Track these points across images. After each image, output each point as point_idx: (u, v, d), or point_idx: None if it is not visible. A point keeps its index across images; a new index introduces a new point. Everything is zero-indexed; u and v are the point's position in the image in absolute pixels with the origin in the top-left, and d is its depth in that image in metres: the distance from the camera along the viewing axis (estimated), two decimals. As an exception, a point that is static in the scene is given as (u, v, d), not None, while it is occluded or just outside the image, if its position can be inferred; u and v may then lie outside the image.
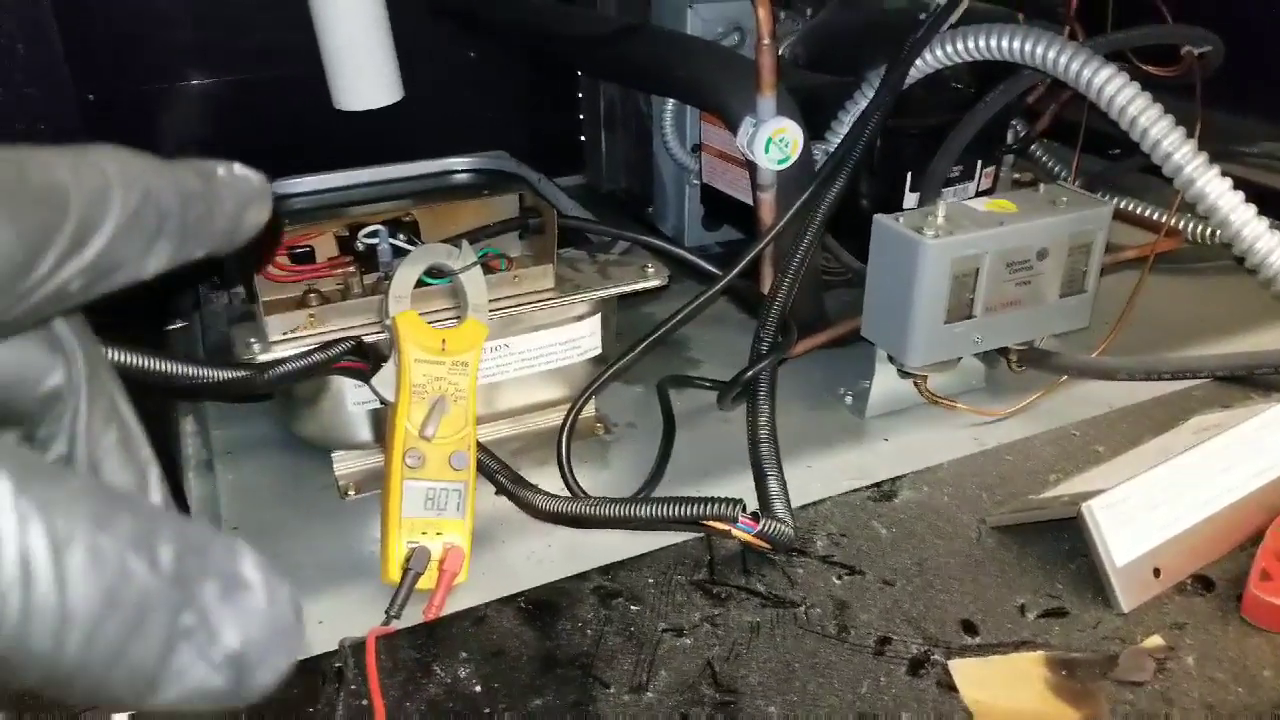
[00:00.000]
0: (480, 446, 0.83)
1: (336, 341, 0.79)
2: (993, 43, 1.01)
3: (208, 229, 0.28)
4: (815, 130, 1.07)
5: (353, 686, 0.65)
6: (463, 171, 1.22)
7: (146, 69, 1.31)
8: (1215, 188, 0.95)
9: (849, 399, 1.03)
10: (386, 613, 0.74)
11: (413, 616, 0.74)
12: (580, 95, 1.54)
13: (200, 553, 0.23)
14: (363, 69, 1.18)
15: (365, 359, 0.80)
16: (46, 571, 0.20)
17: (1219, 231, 0.99)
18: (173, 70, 1.32)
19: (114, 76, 1.27)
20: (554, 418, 0.96)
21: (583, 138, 1.56)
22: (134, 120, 1.32)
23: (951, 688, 0.65)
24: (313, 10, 1.15)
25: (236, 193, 0.29)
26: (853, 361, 1.03)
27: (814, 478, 0.91)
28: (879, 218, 0.91)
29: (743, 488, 0.81)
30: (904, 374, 0.97)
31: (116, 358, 0.69)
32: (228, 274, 0.92)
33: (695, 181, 1.30)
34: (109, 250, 0.25)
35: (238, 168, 0.30)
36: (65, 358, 0.28)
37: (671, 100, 1.27)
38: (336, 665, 0.67)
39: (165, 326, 0.96)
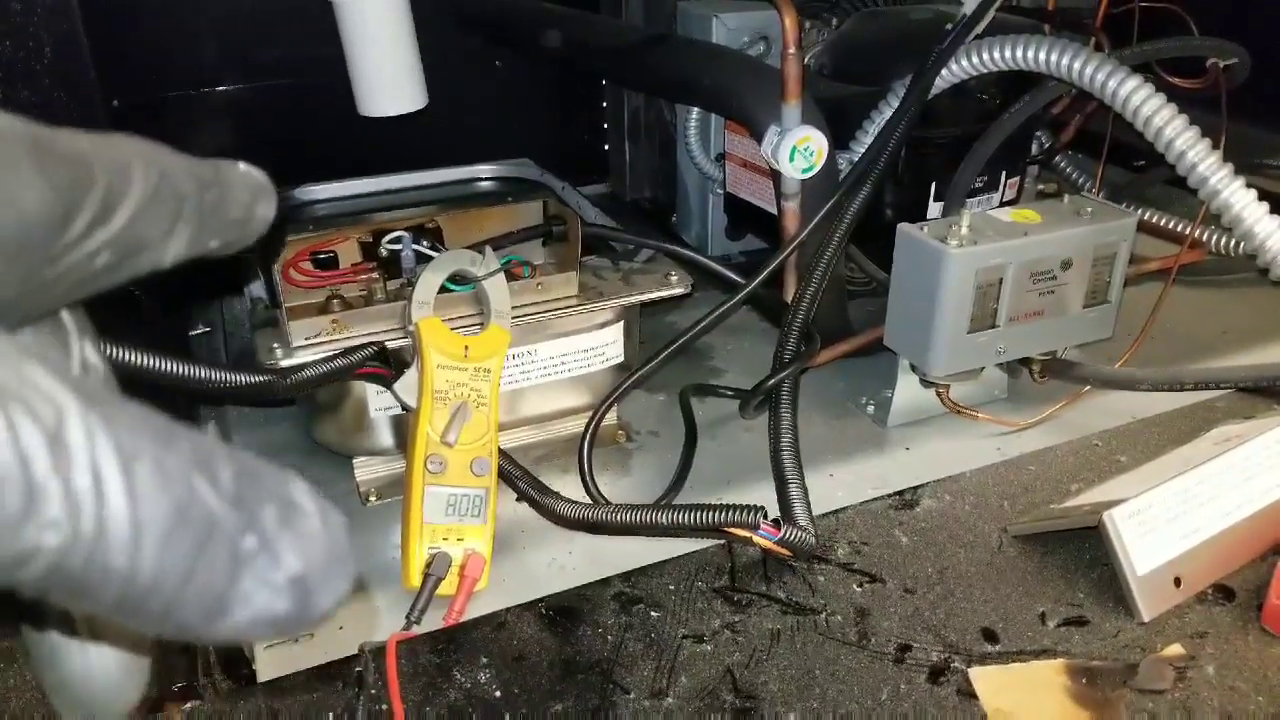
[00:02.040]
0: (502, 453, 0.83)
1: (359, 347, 0.79)
2: (1019, 53, 1.01)
3: (223, 217, 0.29)
4: (840, 140, 1.07)
5: (373, 691, 0.65)
6: (487, 179, 1.22)
7: (172, 76, 1.32)
8: (1240, 199, 0.95)
9: (871, 408, 1.03)
10: (407, 618, 0.74)
11: (433, 622, 0.74)
12: (605, 104, 1.55)
13: (256, 478, 0.23)
14: (387, 76, 1.19)
15: (388, 364, 0.81)
16: (117, 483, 0.20)
17: (1243, 243, 0.98)
18: (198, 77, 1.33)
19: (140, 83, 1.28)
20: (576, 425, 0.96)
21: (607, 147, 1.57)
22: (160, 127, 1.33)
23: (972, 695, 0.64)
24: (338, 18, 1.16)
25: (246, 185, 0.30)
26: (875, 371, 1.03)
27: (836, 486, 0.91)
28: (903, 227, 0.91)
29: (764, 496, 0.81)
30: (926, 384, 0.97)
31: (141, 362, 0.69)
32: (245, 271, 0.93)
33: (719, 190, 1.30)
34: (134, 224, 0.25)
35: (243, 165, 0.30)
36: (86, 369, 0.28)
37: (696, 109, 1.27)
38: (357, 670, 0.67)
39: (189, 332, 0.97)
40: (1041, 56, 1.00)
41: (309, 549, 0.24)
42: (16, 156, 0.23)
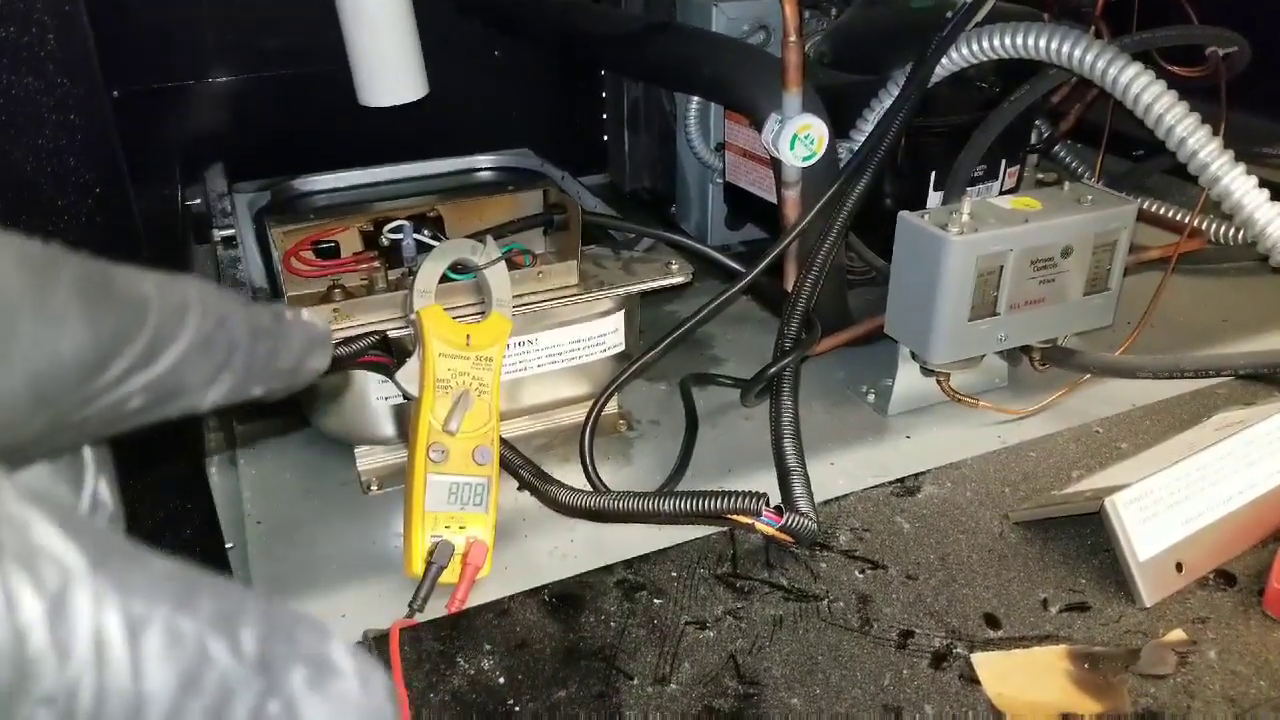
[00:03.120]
0: (504, 442, 0.83)
1: (361, 336, 0.79)
2: (1019, 41, 1.01)
3: (271, 368, 0.28)
4: (840, 129, 1.07)
5: (377, 676, 0.65)
6: (486, 169, 1.22)
7: (172, 66, 1.32)
8: (1240, 185, 0.95)
9: (872, 396, 1.03)
10: (410, 605, 0.74)
11: (436, 609, 0.74)
12: (604, 94, 1.54)
13: (287, 637, 0.22)
14: (387, 65, 1.18)
15: (389, 353, 0.81)
16: (121, 654, 0.19)
17: (1243, 230, 0.99)
18: (198, 66, 1.33)
19: (141, 73, 1.28)
20: (577, 414, 0.96)
21: (606, 137, 1.57)
22: (159, 117, 1.33)
23: (974, 680, 0.65)
24: (339, 6, 1.15)
25: (304, 336, 0.29)
26: (875, 359, 1.03)
27: (837, 474, 0.91)
28: (904, 215, 0.91)
29: (765, 484, 0.80)
30: (927, 372, 0.97)
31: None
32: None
33: (719, 180, 1.30)
34: (176, 370, 0.24)
35: (305, 314, 0.30)
36: (95, 507, 0.27)
37: (696, 98, 1.27)
38: (361, 655, 0.67)
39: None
40: (1042, 44, 1.00)
41: (342, 714, 0.22)
42: (66, 301, 0.22)
